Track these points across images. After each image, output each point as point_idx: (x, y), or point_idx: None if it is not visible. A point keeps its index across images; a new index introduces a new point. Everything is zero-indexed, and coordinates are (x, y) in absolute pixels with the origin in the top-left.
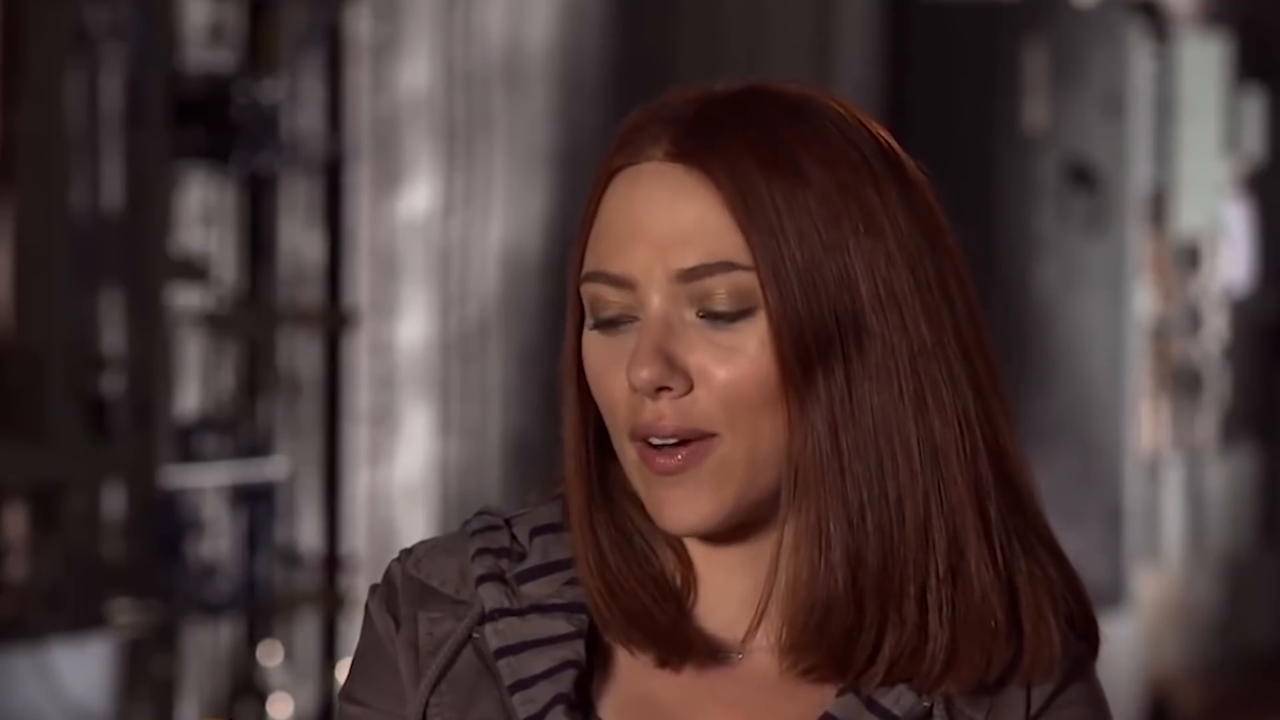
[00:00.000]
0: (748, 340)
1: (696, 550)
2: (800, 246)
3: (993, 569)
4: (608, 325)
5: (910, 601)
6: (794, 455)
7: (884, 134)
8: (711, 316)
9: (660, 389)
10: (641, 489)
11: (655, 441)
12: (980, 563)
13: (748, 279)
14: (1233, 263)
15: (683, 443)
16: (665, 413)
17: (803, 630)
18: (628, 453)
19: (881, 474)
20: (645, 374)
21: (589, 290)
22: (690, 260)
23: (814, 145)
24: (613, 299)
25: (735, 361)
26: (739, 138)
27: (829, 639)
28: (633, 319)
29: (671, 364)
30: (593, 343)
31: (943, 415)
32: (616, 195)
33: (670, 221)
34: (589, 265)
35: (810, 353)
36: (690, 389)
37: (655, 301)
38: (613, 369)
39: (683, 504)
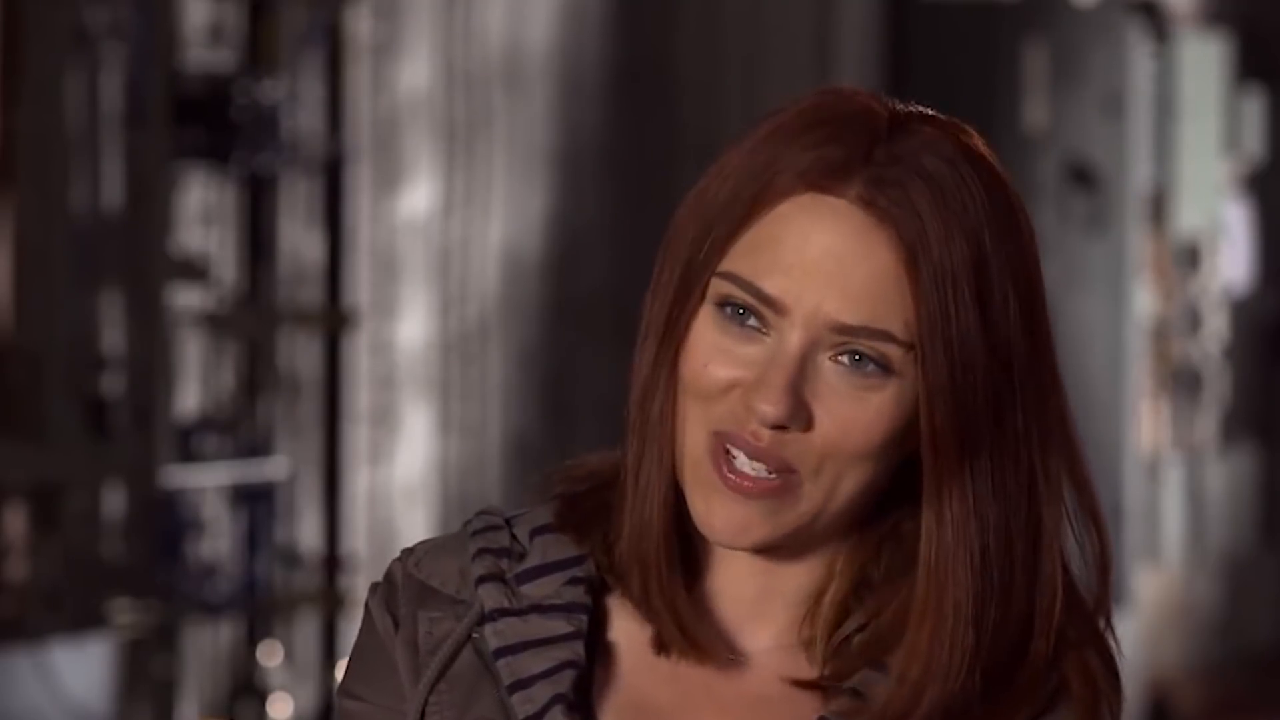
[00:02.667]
0: (871, 400)
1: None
2: (967, 320)
3: (1049, 655)
4: (733, 316)
5: (978, 669)
6: (930, 537)
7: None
8: (848, 370)
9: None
10: (695, 484)
11: (737, 456)
12: (1040, 650)
13: (898, 352)
14: (1233, 263)
15: (762, 466)
16: (764, 437)
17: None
18: (697, 436)
19: (1001, 562)
20: (773, 412)
21: (724, 287)
22: (852, 318)
23: (999, 218)
24: (749, 304)
25: (854, 416)
26: (936, 200)
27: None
28: (760, 330)
29: (799, 405)
30: (708, 323)
31: (1050, 506)
32: (793, 220)
33: (845, 271)
34: (737, 268)
35: (958, 429)
36: (804, 430)
37: (798, 337)
38: (721, 359)
39: (737, 523)
